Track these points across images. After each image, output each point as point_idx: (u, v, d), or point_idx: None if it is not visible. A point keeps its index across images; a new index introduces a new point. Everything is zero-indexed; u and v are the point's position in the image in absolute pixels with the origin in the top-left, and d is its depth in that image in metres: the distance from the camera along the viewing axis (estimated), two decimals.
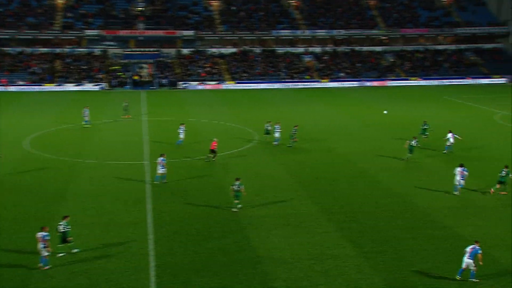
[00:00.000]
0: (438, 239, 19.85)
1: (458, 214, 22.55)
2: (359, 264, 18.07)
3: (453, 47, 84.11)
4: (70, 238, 18.82)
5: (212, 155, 30.51)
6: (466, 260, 16.85)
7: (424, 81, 75.39)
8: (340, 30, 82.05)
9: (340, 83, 74.07)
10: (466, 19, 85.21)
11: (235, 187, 23.05)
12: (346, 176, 28.32)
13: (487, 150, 33.59)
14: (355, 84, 73.73)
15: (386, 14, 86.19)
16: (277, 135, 34.61)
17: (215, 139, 31.18)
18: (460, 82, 75.28)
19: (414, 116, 47.04)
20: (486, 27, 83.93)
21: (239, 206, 23.29)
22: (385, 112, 38.07)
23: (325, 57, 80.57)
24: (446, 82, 75.33)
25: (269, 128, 35.40)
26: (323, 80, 74.81)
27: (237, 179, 23.39)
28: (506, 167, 25.58)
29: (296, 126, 35.24)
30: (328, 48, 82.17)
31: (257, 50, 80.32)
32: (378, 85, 73.62)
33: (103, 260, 18.34)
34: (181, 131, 34.55)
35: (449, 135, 32.89)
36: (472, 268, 16.76)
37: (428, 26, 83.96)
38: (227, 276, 17.38)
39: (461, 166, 25.47)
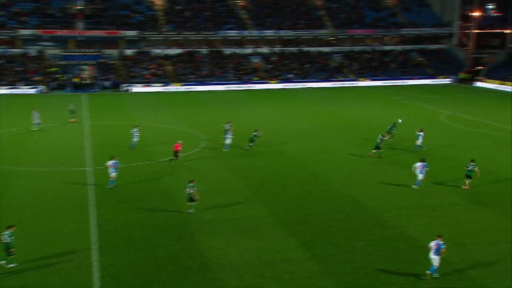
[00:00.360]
0: (389, 240, 20.44)
1: (409, 213, 23.30)
2: (310, 268, 18.33)
3: (399, 47, 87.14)
4: (12, 250, 18.10)
5: (175, 158, 30.71)
6: (433, 257, 17.34)
7: (372, 81, 77.65)
8: (288, 31, 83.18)
9: (289, 84, 75.06)
10: (411, 20, 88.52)
11: (189, 190, 23.09)
12: (297, 178, 28.67)
13: (434, 149, 34.95)
14: (304, 85, 74.93)
15: (333, 14, 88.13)
16: (228, 141, 34.20)
17: (179, 141, 31.37)
18: (407, 82, 78.10)
19: (364, 117, 48.35)
20: (430, 28, 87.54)
21: (191, 210, 23.26)
22: (400, 120, 39.30)
23: (273, 58, 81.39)
24: (393, 82, 77.93)
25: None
26: (271, 82, 75.51)
27: (191, 181, 23.39)
28: (473, 161, 26.87)
29: (257, 130, 35.31)
30: (276, 49, 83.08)
31: (204, 51, 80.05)
32: (327, 86, 75.14)
33: (43, 273, 17.69)
34: (135, 134, 34.57)
35: (420, 133, 33.93)
36: (435, 264, 17.32)
37: (375, 26, 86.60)
38: (175, 285, 17.18)
39: (421, 161, 26.56)
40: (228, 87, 72.39)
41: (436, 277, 17.40)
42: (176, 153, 30.83)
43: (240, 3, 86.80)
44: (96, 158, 32.01)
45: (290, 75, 77.71)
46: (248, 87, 72.97)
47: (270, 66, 79.50)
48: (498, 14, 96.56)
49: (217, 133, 39.61)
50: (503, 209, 23.46)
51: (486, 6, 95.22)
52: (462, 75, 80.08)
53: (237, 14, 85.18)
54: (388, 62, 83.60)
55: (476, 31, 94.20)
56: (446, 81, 79.63)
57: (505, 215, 22.68)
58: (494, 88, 71.82)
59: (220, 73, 75.75)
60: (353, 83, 76.98)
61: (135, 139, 34.62)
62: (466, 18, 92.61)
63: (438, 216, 22.80)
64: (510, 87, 69.75)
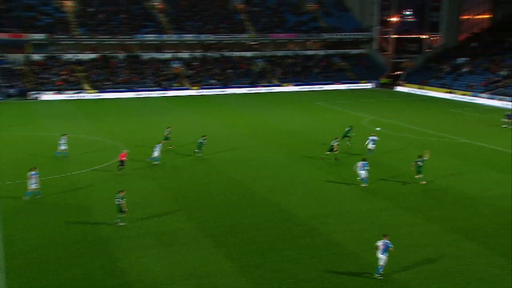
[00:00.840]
0: (317, 248, 20.83)
1: (336, 220, 23.85)
2: (237, 279, 18.26)
3: (321, 52, 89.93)
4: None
5: (122, 166, 30.57)
6: (380, 256, 18.01)
7: (296, 87, 79.47)
8: (209, 35, 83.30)
9: (211, 90, 75.05)
10: (332, 25, 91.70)
11: (118, 201, 22.66)
12: (222, 187, 28.59)
13: (358, 154, 36.21)
14: (227, 91, 75.22)
15: (255, 18, 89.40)
16: (156, 153, 32.91)
17: (124, 150, 31.29)
18: (330, 87, 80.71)
19: (289, 123, 49.26)
20: (351, 33, 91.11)
21: (120, 222, 22.74)
22: (377, 128, 40.27)
23: (195, 63, 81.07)
24: (316, 87, 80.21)
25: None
26: (193, 88, 75.12)
27: (120, 192, 22.92)
28: (420, 156, 29.01)
29: (204, 136, 35.29)
30: (197, 54, 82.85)
31: (120, 55, 78.15)
32: (250, 91, 75.94)
33: None
34: (63, 142, 33.81)
35: (372, 138, 34.98)
36: (380, 264, 18.03)
37: (297, 31, 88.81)
38: None
39: (363, 160, 28.98)
40: (147, 94, 71.09)
41: (379, 278, 18.07)
42: (122, 162, 30.63)
43: (158, 6, 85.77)
44: (4, 171, 30.14)
45: (213, 81, 77.73)
46: (169, 93, 72.10)
47: (191, 71, 79.07)
48: (414, 20, 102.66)
49: (137, 143, 38.66)
50: (431, 213, 24.67)
51: (403, 12, 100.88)
52: (383, 80, 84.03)
53: (155, 17, 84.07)
54: (311, 67, 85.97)
55: (394, 36, 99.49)
56: (368, 85, 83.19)
57: (433, 219, 23.85)
58: (414, 92, 75.94)
59: (138, 79, 74.24)
60: (277, 89, 78.37)
61: (62, 148, 33.85)
62: (385, 23, 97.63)
63: (365, 221, 23.58)
64: (429, 91, 74.11)
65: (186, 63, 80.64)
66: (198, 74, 78.70)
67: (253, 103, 64.96)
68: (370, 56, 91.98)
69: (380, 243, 18.22)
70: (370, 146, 34.81)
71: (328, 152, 33.66)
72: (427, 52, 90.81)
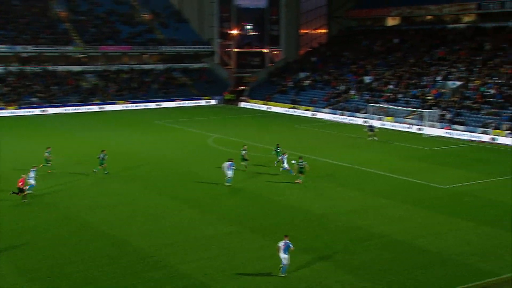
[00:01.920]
0: (162, 281, 20.30)
1: (180, 249, 23.52)
2: None
3: (160, 66, 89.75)
4: None
5: (22, 193, 30.07)
6: (282, 256, 20.15)
7: (133, 104, 78.04)
8: (27, 46, 78.30)
9: (32, 109, 70.37)
10: (170, 37, 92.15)
11: None
12: (49, 222, 26.70)
13: (205, 176, 36.51)
14: (51, 110, 71.16)
15: (82, 28, 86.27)
16: (32, 181, 30.72)
17: (23, 175, 30.51)
18: (171, 104, 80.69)
19: (125, 145, 48.01)
20: (191, 46, 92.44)
21: None
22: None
23: (10, 79, 75.40)
24: (156, 104, 79.62)
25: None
26: (9, 107, 69.72)
27: None
28: (301, 157, 34.27)
29: (103, 150, 36.37)
30: (13, 68, 77.22)
31: None
32: (81, 110, 72.72)
33: None
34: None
35: (283, 156, 36.10)
36: (283, 264, 20.23)
37: (131, 43, 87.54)
38: None
39: (229, 160, 33.07)
40: None
41: (284, 276, 20.17)
42: (20, 189, 29.96)
43: None
44: None
45: (34, 99, 72.93)
46: None
47: (6, 88, 73.33)
48: (255, 33, 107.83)
49: None
50: (278, 236, 25.51)
51: (244, 25, 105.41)
52: (227, 96, 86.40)
53: None
54: (149, 82, 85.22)
55: (236, 49, 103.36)
56: (212, 102, 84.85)
57: (275, 240, 24.65)
58: (259, 108, 79.20)
59: None
60: (111, 107, 76.17)
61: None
62: (226, 36, 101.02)
63: (213, 247, 23.63)
64: (273, 106, 77.92)
65: (0, 78, 74.63)
66: (15, 91, 73.24)
67: (84, 123, 62.25)
68: (212, 71, 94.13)
69: (281, 244, 20.42)
70: (285, 164, 35.88)
71: (242, 163, 36.69)
72: (269, 67, 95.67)
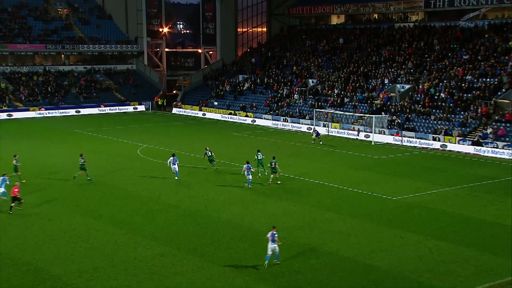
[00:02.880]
0: None
1: (104, 274, 23.02)
2: None
3: (80, 68, 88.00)
4: None
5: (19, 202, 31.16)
6: (271, 246, 23.41)
7: (49, 111, 76.05)
8: None
9: None
10: (91, 35, 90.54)
11: None
12: None
13: (134, 191, 35.96)
14: None
15: None
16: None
17: (16, 183, 32.06)
18: (93, 111, 79.17)
19: (44, 157, 46.70)
20: (115, 45, 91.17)
21: None
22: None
23: None
24: (76, 111, 77.91)
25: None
26: None
27: None
28: (274, 157, 37.96)
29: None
30: None
31: None
32: None
33: None
34: None
35: (245, 166, 36.99)
36: (276, 251, 23.54)
37: (45, 41, 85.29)
38: None
39: (173, 155, 38.70)
40: None
41: (278, 263, 23.60)
42: (15, 198, 31.08)
43: None
44: None
45: None
46: None
47: None
48: (188, 32, 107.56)
49: None
50: (210, 254, 25.43)
51: (176, 23, 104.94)
52: (159, 101, 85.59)
53: None
54: (67, 86, 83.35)
55: (167, 50, 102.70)
56: (141, 108, 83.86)
57: (211, 261, 24.59)
58: (193, 114, 78.94)
59: None
60: (22, 114, 73.91)
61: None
62: (155, 35, 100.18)
63: (140, 271, 23.26)
64: (209, 112, 77.83)
65: None
66: None
67: None
68: (140, 73, 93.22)
69: (269, 235, 23.65)
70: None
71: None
72: (205, 69, 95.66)
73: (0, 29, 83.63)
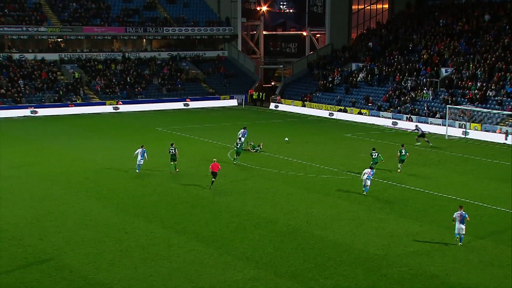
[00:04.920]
0: None
1: None
2: None
3: (164, 54, 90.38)
4: None
5: None
6: (458, 226, 29.01)
7: (128, 105, 78.49)
8: None
9: None
10: (177, 15, 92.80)
11: None
12: None
13: (221, 201, 36.46)
14: (16, 112, 72.27)
15: (57, 4, 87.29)
16: None
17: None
18: (177, 105, 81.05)
19: (122, 160, 48.36)
20: (205, 28, 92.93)
21: None
22: (286, 139, 55.57)
23: None
24: (158, 106, 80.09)
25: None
26: None
27: None
28: (374, 149, 42.83)
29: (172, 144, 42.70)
30: None
31: None
32: (54, 113, 73.38)
33: None
34: None
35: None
36: (462, 233, 28.94)
37: (124, 23, 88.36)
38: None
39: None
40: None
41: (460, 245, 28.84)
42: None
43: None
44: None
45: None
46: None
47: None
48: (291, 11, 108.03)
49: None
50: (314, 281, 25.28)
51: (277, 0, 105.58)
52: (254, 95, 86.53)
53: None
54: (148, 76, 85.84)
55: (265, 32, 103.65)
56: (232, 102, 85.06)
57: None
58: (295, 111, 79.07)
59: None
60: (98, 108, 76.84)
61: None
62: (251, 15, 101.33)
63: None
64: (314, 109, 77.68)
65: None
66: None
67: (60, 129, 62.88)
68: (233, 61, 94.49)
69: (456, 215, 29.06)
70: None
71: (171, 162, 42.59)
72: (310, 55, 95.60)
73: (76, 9, 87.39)
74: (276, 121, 72.11)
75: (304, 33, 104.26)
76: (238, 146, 46.27)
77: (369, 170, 38.14)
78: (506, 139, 57.34)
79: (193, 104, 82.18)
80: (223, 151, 51.62)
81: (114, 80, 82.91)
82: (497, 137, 58.44)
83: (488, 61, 71.13)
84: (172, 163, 42.83)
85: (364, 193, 37.59)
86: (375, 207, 35.40)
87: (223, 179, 40.77)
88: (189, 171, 44.10)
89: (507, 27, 75.87)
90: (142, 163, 42.26)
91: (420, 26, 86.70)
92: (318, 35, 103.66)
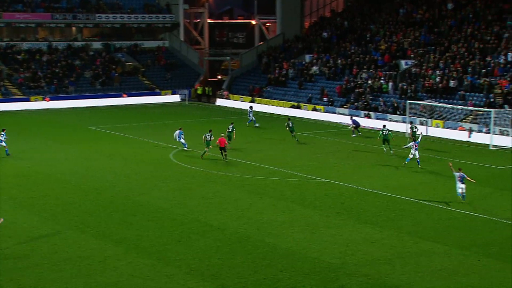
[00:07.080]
0: None
1: None
2: None
3: (96, 45, 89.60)
4: None
5: None
6: (459, 185, 36.18)
7: (55, 101, 77.68)
8: None
9: None
10: (110, 1, 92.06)
11: None
12: None
13: (164, 207, 36.43)
14: None
15: None
16: None
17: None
18: (111, 101, 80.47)
19: (55, 162, 47.76)
20: (143, 15, 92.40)
21: None
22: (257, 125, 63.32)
23: None
24: (90, 102, 79.46)
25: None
26: None
27: None
28: (384, 126, 49.08)
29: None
30: None
31: None
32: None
33: None
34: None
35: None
36: (464, 192, 35.97)
37: (51, 9, 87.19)
38: None
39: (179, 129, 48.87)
40: None
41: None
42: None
43: None
44: None
45: None
46: None
47: None
48: None
49: None
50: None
51: None
52: (198, 89, 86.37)
53: None
54: (79, 68, 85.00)
55: (210, 21, 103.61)
56: (175, 98, 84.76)
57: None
58: (245, 107, 79.08)
59: None
60: (20, 105, 75.82)
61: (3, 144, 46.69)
62: (195, 1, 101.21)
63: None
64: (266, 105, 77.89)
65: None
66: None
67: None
68: (174, 52, 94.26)
69: (457, 175, 36.14)
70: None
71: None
72: (260, 46, 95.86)
73: None
74: (224, 119, 71.93)
75: (253, 22, 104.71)
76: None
77: (414, 142, 46.15)
78: (469, 137, 58.35)
79: (131, 100, 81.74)
80: (164, 152, 51.50)
81: (39, 73, 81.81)
82: (459, 135, 59.34)
83: (450, 52, 72.14)
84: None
85: (419, 166, 45.78)
86: (331, 212, 35.63)
87: (164, 184, 40.61)
88: (127, 175, 43.85)
89: (471, 15, 77.10)
90: (183, 141, 51.29)
91: (378, 15, 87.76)
92: (268, 24, 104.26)
